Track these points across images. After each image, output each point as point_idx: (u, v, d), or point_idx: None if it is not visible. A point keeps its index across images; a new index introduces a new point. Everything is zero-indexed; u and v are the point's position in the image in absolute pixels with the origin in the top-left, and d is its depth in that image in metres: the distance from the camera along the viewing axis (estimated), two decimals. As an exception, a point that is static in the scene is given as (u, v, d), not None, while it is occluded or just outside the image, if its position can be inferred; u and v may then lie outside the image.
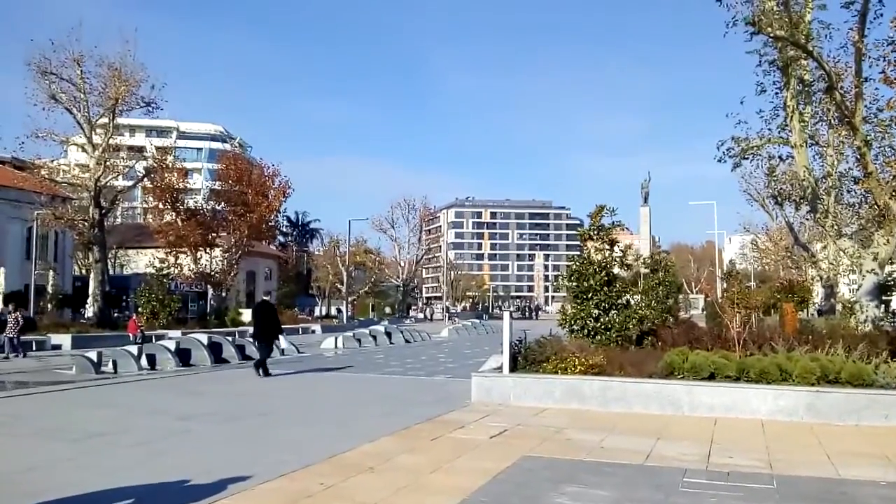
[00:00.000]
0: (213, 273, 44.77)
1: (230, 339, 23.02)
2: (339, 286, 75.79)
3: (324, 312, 72.42)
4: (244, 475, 7.11)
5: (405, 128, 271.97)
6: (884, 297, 20.33)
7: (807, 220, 27.55)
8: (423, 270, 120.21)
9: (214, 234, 44.57)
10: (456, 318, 65.72)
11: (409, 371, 19.09)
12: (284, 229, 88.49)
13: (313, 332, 43.80)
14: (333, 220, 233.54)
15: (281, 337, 19.29)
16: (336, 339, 29.39)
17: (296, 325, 44.76)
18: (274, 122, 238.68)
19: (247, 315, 46.13)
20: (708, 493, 6.64)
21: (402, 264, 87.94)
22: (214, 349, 21.11)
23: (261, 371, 16.75)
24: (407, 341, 32.94)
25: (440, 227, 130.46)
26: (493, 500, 6.39)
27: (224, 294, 46.20)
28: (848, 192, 22.81)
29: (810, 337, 13.42)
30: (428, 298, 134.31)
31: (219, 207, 47.39)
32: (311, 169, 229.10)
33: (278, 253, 72.85)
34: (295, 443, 9.08)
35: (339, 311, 67.99)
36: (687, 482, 7.08)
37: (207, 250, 44.49)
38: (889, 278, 20.25)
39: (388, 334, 32.79)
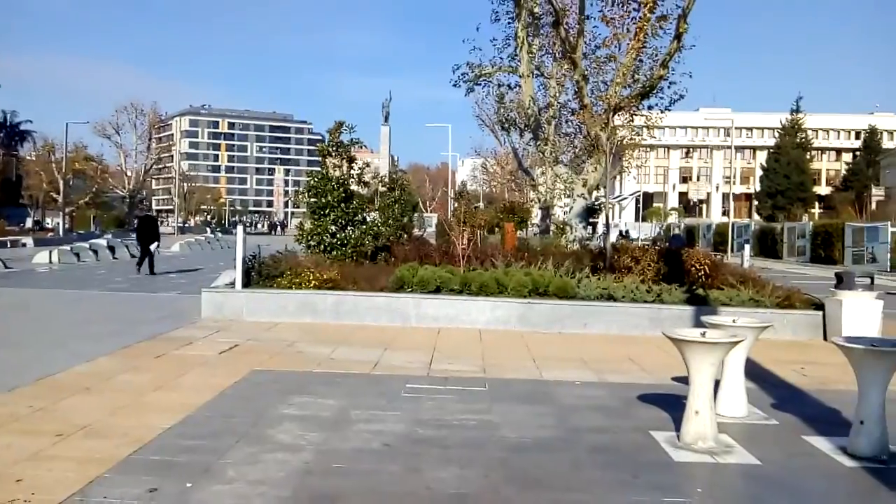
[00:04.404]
0: None
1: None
2: (54, 196, 68.77)
3: (37, 224, 65.59)
4: (-68, 402, 6.37)
5: (135, 26, 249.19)
6: (590, 220, 22.61)
7: (529, 146, 29.60)
8: (154, 181, 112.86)
9: None
10: (219, 232, 61.69)
11: (133, 287, 18.03)
12: (-12, 129, 77.92)
13: (24, 245, 39.37)
14: (49, 123, 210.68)
15: (157, 243, 22.30)
16: (51, 253, 26.75)
17: (2, 238, 40.03)
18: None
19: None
20: (427, 398, 7.11)
21: (129, 174, 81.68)
22: None
23: (140, 268, 21.28)
24: (133, 256, 30.83)
25: (173, 135, 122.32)
26: (219, 414, 6.33)
27: None
28: (566, 122, 24.82)
29: (526, 254, 14.66)
30: (159, 211, 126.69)
31: None
32: (23, 65, 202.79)
33: (-21, 156, 64.11)
34: (0, 365, 8.26)
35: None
36: (409, 388, 7.52)
37: None
38: (596, 202, 22.50)
39: (112, 248, 30.52)
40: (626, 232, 51.59)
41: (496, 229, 28.21)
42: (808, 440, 6.02)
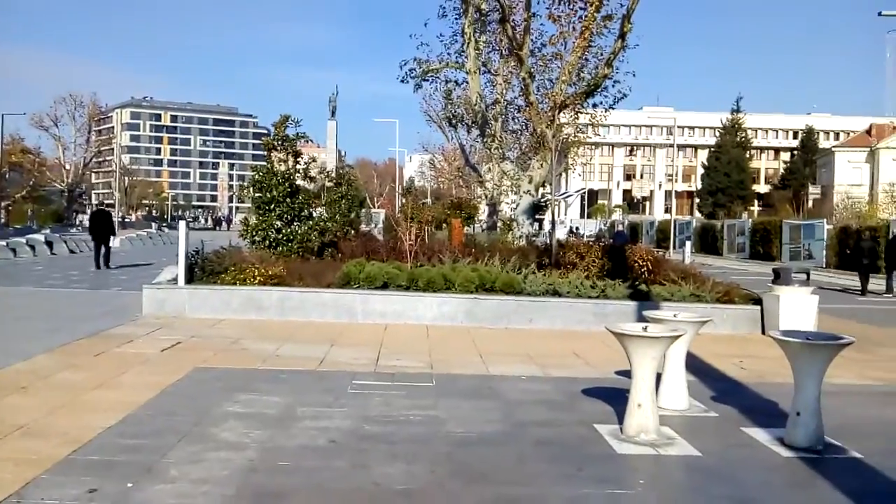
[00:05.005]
0: None
1: None
2: (-11, 189, 66.51)
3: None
4: None
5: (74, 13, 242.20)
6: (537, 216, 22.80)
7: (477, 142, 29.67)
8: (94, 175, 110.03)
9: None
10: (165, 227, 60.09)
11: (72, 284, 17.55)
12: (-85, 120, 74.76)
13: (-45, 240, 38.06)
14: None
15: (112, 237, 22.87)
16: (-16, 248, 25.90)
17: (-69, 233, 38.60)
18: None
19: None
20: (374, 394, 7.10)
21: (68, 167, 79.38)
22: None
23: (98, 264, 21.25)
24: (72, 252, 30.08)
25: (113, 128, 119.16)
26: (161, 412, 6.21)
27: None
28: (513, 119, 24.99)
29: (473, 250, 14.73)
30: (99, 205, 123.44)
31: None
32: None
33: None
34: (-74, 365, 7.95)
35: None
36: (356, 384, 7.49)
37: None
38: (542, 199, 22.69)
39: (50, 244, 29.63)
40: (577, 229, 52.43)
41: (443, 225, 28.24)
42: (746, 431, 6.19)
